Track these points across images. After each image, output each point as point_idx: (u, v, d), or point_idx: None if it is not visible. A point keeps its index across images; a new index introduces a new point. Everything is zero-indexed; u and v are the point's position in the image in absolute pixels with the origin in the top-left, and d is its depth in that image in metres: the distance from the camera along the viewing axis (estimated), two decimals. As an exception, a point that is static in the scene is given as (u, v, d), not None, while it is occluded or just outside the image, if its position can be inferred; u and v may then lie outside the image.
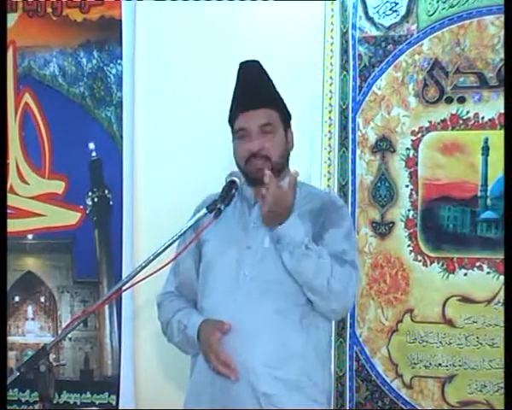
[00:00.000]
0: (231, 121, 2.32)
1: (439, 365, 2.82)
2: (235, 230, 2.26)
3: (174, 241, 2.10)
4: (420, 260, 2.85)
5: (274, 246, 2.18)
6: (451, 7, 2.82)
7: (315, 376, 2.21)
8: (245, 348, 2.14)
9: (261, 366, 2.13)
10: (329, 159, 2.93)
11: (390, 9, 2.88)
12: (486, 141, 2.79)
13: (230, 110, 2.33)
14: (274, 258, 2.19)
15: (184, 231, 2.12)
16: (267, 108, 2.27)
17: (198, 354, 2.25)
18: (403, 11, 2.87)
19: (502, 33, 2.72)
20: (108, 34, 3.23)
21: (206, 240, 2.27)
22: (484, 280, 2.79)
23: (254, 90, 2.28)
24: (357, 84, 2.91)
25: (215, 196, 2.23)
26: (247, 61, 2.33)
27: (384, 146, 2.89)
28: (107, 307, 3.20)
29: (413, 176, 2.87)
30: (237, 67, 2.33)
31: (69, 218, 3.30)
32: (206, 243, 2.29)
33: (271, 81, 2.34)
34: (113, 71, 3.24)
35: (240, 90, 2.31)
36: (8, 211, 3.10)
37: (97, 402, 3.25)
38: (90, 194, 3.27)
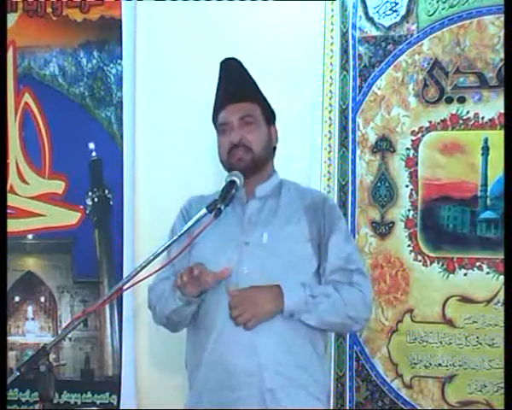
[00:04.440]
0: (213, 118, 2.36)
1: (439, 365, 2.82)
2: (230, 228, 2.26)
3: (175, 240, 2.09)
4: (420, 260, 2.85)
5: (272, 242, 2.21)
6: (451, 7, 2.82)
7: (316, 373, 2.23)
8: (247, 345, 2.14)
9: (265, 363, 2.14)
10: (329, 159, 2.93)
11: (390, 9, 2.88)
12: (486, 141, 2.79)
13: (214, 109, 2.36)
14: (273, 253, 2.20)
15: (185, 231, 2.12)
16: (248, 102, 2.30)
17: (202, 354, 2.23)
18: (403, 11, 2.87)
19: (502, 33, 2.72)
20: (108, 34, 3.23)
21: (198, 242, 2.22)
22: (484, 280, 2.79)
23: (234, 84, 2.32)
24: (357, 84, 2.91)
25: (198, 198, 2.33)
26: (226, 59, 2.37)
27: (384, 146, 2.89)
28: (107, 306, 3.20)
29: (413, 176, 2.87)
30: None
31: (69, 218, 3.31)
32: (196, 245, 2.25)
33: (252, 77, 2.36)
34: (113, 71, 3.24)
35: (221, 87, 2.35)
36: (8, 211, 3.10)
37: (98, 402, 3.26)
38: (90, 194, 3.28)
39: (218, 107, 2.33)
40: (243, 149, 2.25)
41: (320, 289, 2.20)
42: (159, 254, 2.06)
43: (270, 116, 2.36)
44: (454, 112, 2.83)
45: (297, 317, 2.16)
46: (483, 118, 2.80)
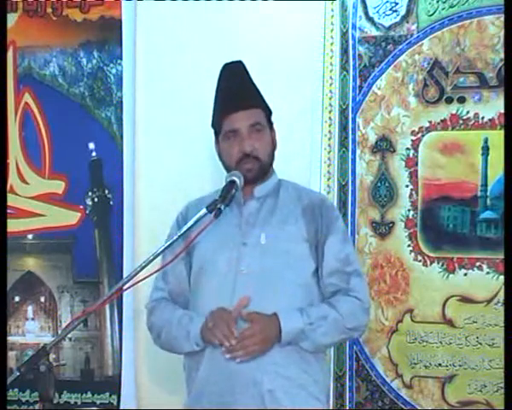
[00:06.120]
0: (216, 124, 2.32)
1: (439, 365, 2.82)
2: (228, 229, 2.25)
3: (175, 241, 2.09)
4: (420, 260, 2.85)
5: (270, 242, 2.21)
6: (451, 7, 2.83)
7: (315, 373, 2.23)
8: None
9: (264, 363, 2.14)
10: (329, 159, 2.93)
11: (390, 9, 2.88)
12: (486, 141, 2.79)
13: (215, 113, 2.33)
14: (271, 254, 2.20)
15: (185, 231, 2.11)
16: (256, 108, 2.29)
17: (201, 356, 2.22)
18: (403, 11, 2.87)
19: (502, 33, 2.72)
20: (108, 34, 3.23)
21: (197, 243, 2.23)
22: (484, 280, 2.79)
23: (242, 90, 2.29)
24: (357, 84, 2.91)
25: (195, 202, 2.32)
26: (230, 63, 2.34)
27: (384, 146, 2.89)
28: (107, 306, 3.20)
29: (413, 176, 2.87)
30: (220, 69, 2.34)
31: (69, 218, 3.31)
32: (197, 246, 2.26)
33: (253, 81, 2.34)
34: (113, 71, 3.24)
35: (226, 91, 2.30)
36: (8, 211, 3.10)
37: (98, 402, 3.26)
38: (90, 194, 3.28)
39: (223, 112, 2.28)
40: (253, 159, 2.24)
41: (317, 312, 2.19)
42: (159, 255, 2.07)
43: (270, 119, 2.35)
44: (454, 112, 2.83)
45: (294, 344, 2.17)
46: (483, 118, 2.80)
